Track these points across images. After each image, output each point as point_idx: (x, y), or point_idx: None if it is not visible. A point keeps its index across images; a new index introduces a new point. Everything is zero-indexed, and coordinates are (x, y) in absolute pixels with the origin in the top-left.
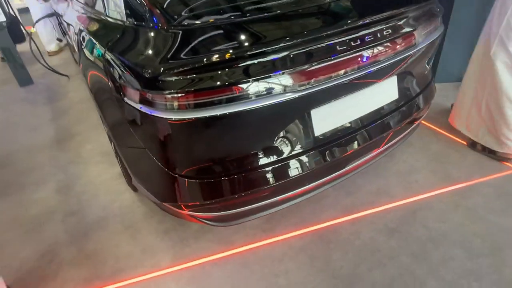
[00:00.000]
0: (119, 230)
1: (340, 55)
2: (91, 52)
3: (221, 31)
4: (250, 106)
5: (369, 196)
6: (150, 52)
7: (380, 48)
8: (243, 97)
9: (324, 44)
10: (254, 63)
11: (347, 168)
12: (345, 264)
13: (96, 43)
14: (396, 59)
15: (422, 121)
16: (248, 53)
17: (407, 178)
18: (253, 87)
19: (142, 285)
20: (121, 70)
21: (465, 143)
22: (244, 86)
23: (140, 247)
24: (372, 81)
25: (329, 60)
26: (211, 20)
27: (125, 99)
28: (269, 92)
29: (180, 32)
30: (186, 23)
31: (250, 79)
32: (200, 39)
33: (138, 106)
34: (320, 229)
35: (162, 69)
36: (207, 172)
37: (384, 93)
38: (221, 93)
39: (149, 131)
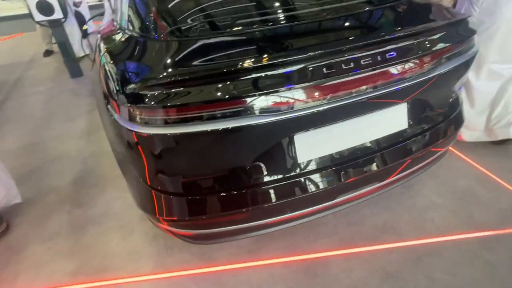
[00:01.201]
0: (114, 228)
1: (323, 79)
2: (98, 54)
3: (197, 47)
4: (221, 126)
5: (373, 230)
6: (128, 63)
7: (378, 73)
8: (213, 116)
9: (308, 67)
10: (227, 82)
11: (338, 199)
12: None
13: (101, 45)
14: (403, 85)
15: (454, 151)
16: (223, 72)
17: (422, 216)
18: (223, 107)
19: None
20: (106, 77)
21: (500, 180)
22: (214, 105)
23: (128, 249)
24: (370, 109)
25: (312, 84)
26: (190, 35)
27: (108, 106)
28: (240, 113)
29: (158, 45)
30: (168, 37)
31: (222, 99)
32: (171, 55)
33: (115, 115)
34: (308, 259)
35: (132, 83)
36: (183, 189)
37: (387, 122)
38: (189, 111)
39: (125, 141)
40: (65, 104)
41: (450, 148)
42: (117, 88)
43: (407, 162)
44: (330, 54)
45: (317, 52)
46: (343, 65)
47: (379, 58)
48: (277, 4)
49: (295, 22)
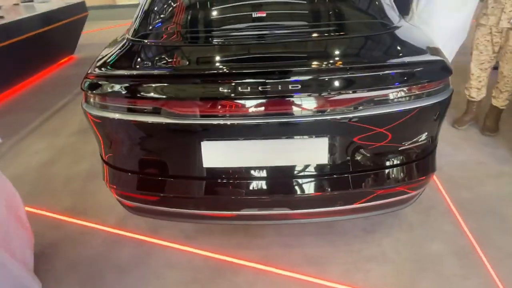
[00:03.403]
0: None
1: (228, 96)
2: None
3: (137, 51)
4: (132, 118)
5: (301, 258)
6: (101, 58)
7: (289, 101)
8: (128, 109)
9: (216, 83)
10: (142, 84)
11: (243, 212)
12: None
13: None
14: (320, 119)
15: (455, 213)
16: (141, 74)
17: (360, 264)
18: (134, 104)
19: (86, 229)
20: None
21: (487, 263)
22: (128, 100)
23: (110, 204)
24: (286, 134)
25: (216, 98)
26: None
27: None
28: (147, 111)
29: (125, 48)
30: (139, 41)
31: (133, 96)
32: (122, 54)
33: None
34: (226, 262)
35: (89, 72)
36: (118, 163)
37: (304, 152)
38: (113, 101)
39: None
40: None
41: (452, 208)
42: None
43: (326, 198)
44: (242, 75)
45: (227, 70)
46: (251, 87)
47: (292, 87)
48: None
49: (230, 42)
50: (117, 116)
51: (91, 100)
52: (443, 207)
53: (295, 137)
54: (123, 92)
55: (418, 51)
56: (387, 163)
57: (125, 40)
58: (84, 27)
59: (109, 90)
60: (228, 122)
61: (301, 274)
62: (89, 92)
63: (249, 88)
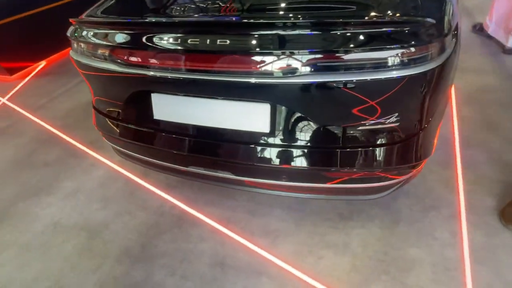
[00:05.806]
0: None
1: (167, 48)
2: None
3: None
4: (95, 64)
5: (259, 229)
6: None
7: (228, 57)
8: (90, 54)
9: (159, 35)
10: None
11: (190, 169)
12: (159, 245)
13: None
14: (259, 81)
15: (465, 222)
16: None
17: (316, 248)
18: (94, 49)
19: (96, 161)
20: None
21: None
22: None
23: None
24: (228, 95)
25: (163, 50)
26: None
27: None
28: (104, 57)
29: None
30: None
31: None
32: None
33: None
34: (189, 214)
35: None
36: (99, 106)
37: (244, 117)
38: (92, 48)
39: None
40: None
41: (460, 215)
42: None
43: (270, 170)
44: (177, 26)
45: (160, 20)
46: (183, 40)
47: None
48: None
49: None
50: (84, 61)
51: (74, 45)
52: (450, 211)
53: (232, 99)
54: (88, 39)
55: (404, 6)
56: (346, 142)
57: None
58: None
59: (78, 36)
60: (165, 75)
61: (251, 243)
62: (70, 38)
63: (180, 40)
